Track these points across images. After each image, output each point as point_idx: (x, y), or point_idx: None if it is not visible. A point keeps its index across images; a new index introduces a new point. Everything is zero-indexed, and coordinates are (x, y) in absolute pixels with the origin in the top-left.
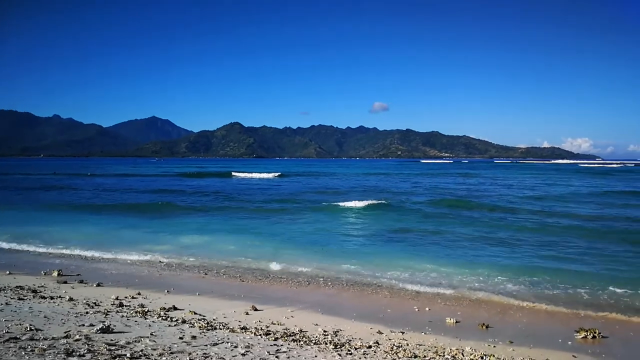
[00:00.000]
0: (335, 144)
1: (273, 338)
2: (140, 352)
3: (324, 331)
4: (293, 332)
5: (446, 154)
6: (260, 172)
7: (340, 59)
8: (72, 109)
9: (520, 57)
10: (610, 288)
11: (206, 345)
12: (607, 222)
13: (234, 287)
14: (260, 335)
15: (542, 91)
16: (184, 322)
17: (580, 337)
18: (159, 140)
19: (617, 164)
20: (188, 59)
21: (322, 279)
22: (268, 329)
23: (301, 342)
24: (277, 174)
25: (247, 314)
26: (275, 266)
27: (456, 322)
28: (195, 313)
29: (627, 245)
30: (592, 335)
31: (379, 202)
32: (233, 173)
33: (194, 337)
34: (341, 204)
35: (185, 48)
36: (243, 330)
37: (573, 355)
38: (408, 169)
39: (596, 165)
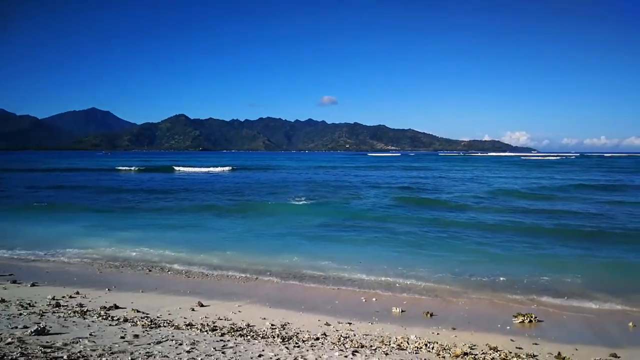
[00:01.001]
0: (284, 137)
1: (220, 334)
2: (79, 354)
3: (272, 325)
4: (240, 327)
5: (392, 147)
6: (209, 167)
7: (290, 52)
8: (3, 99)
9: (463, 52)
10: (545, 276)
11: (149, 344)
12: (542, 215)
13: (179, 283)
14: (206, 331)
15: (483, 86)
16: (126, 320)
17: (518, 321)
18: (99, 132)
19: (555, 156)
20: (129, 47)
21: (269, 274)
22: (214, 324)
23: (248, 337)
24: (227, 169)
25: (193, 310)
26: (222, 262)
27: (402, 311)
28: (138, 311)
29: (560, 237)
30: (528, 319)
31: (326, 197)
32: (177, 168)
33: (136, 336)
34: (288, 199)
35: (126, 35)
36: (188, 327)
37: (511, 339)
38: (356, 161)
39: (538, 157)
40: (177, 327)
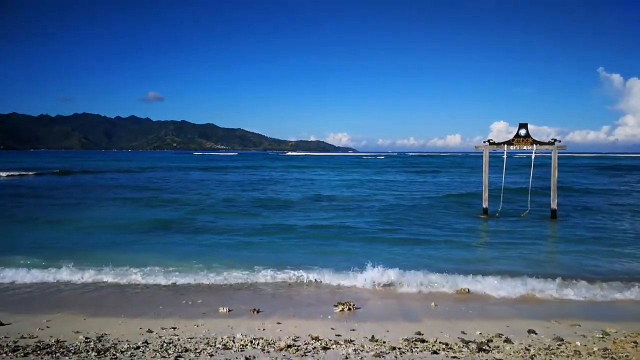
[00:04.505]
0: (104, 134)
1: (22, 354)
2: None
3: (86, 338)
4: (48, 344)
5: (222, 147)
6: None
7: (109, 42)
8: None
9: (288, 54)
10: (366, 266)
11: None
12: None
13: None
14: (5, 353)
15: (308, 89)
16: None
17: (338, 310)
18: None
19: (381, 155)
20: None
21: (82, 281)
22: (16, 344)
23: (57, 354)
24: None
25: None
26: (25, 272)
27: (229, 310)
28: None
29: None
30: (347, 307)
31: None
32: None
33: None
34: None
35: None
36: None
37: (332, 328)
38: (182, 161)
39: (371, 156)
40: None
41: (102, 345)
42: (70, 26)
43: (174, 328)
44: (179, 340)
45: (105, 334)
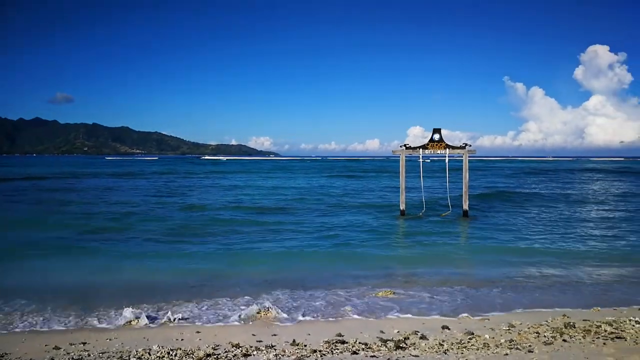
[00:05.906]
0: (5, 137)
1: None
2: None
3: None
4: None
5: (138, 150)
6: None
7: (11, 38)
8: None
9: (212, 57)
10: (281, 271)
11: None
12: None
13: None
14: None
15: (228, 91)
16: None
17: (259, 315)
18: None
19: (307, 159)
20: None
21: None
22: None
23: None
24: None
25: None
26: None
27: (146, 322)
28: None
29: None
30: (269, 312)
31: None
32: None
33: None
34: None
35: None
36: None
37: (253, 334)
38: (92, 166)
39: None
40: None
41: None
42: None
43: (84, 343)
44: (89, 356)
45: (5, 354)
